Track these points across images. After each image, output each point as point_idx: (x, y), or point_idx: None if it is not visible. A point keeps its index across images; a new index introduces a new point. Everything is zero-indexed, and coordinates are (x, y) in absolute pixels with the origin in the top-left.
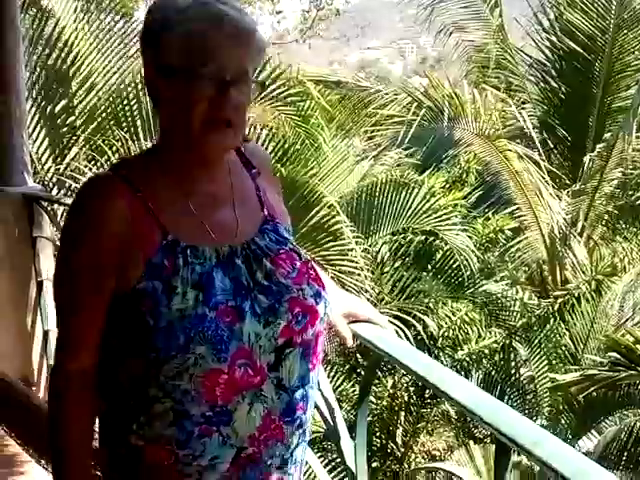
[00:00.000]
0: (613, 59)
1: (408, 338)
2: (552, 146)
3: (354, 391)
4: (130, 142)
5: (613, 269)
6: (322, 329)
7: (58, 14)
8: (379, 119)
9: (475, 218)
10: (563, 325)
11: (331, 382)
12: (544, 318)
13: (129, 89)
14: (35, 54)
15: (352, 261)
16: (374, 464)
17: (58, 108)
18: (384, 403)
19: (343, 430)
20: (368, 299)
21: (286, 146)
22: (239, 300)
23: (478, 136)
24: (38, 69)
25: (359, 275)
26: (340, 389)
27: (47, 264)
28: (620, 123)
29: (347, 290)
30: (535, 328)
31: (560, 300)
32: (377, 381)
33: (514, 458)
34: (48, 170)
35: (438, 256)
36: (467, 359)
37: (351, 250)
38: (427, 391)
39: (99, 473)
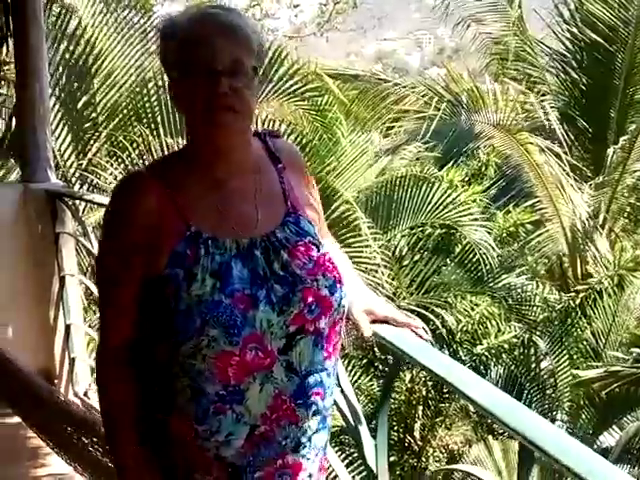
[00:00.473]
0: (636, 50)
1: (427, 332)
2: (573, 138)
3: (371, 385)
4: (151, 138)
5: (636, 264)
6: (338, 319)
7: (80, 10)
8: (398, 113)
9: (495, 212)
10: (584, 319)
11: (348, 376)
12: (565, 312)
13: (150, 85)
14: (58, 51)
15: (369, 257)
16: (392, 458)
17: (80, 104)
18: (402, 397)
19: (364, 429)
20: (386, 294)
21: (304, 141)
22: (255, 289)
23: (498, 129)
24: (61, 67)
25: (376, 272)
26: (357, 383)
27: (69, 260)
28: None
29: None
30: (556, 322)
31: (582, 294)
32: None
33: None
34: (70, 166)
35: (457, 250)
36: (486, 354)
37: (367, 247)
38: (445, 386)
39: None
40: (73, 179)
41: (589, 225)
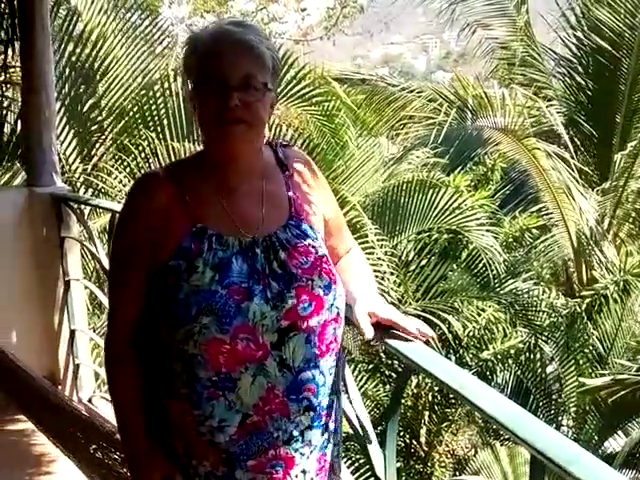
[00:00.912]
0: None
1: (433, 338)
2: (578, 143)
3: (377, 390)
4: (157, 141)
5: None
6: (330, 319)
7: (85, 13)
8: (405, 118)
9: (502, 217)
10: (590, 325)
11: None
12: (571, 318)
13: (156, 88)
14: (64, 54)
15: (375, 263)
16: (397, 464)
17: (86, 108)
18: (408, 403)
19: (372, 438)
20: (392, 300)
21: (311, 145)
22: (252, 282)
23: (506, 134)
24: (67, 70)
25: (383, 278)
26: (364, 388)
27: (74, 264)
28: None
29: None
30: (562, 328)
31: (587, 300)
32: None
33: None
34: (76, 170)
35: (464, 255)
36: (492, 359)
37: (372, 254)
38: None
39: None
40: (78, 183)
41: (596, 230)
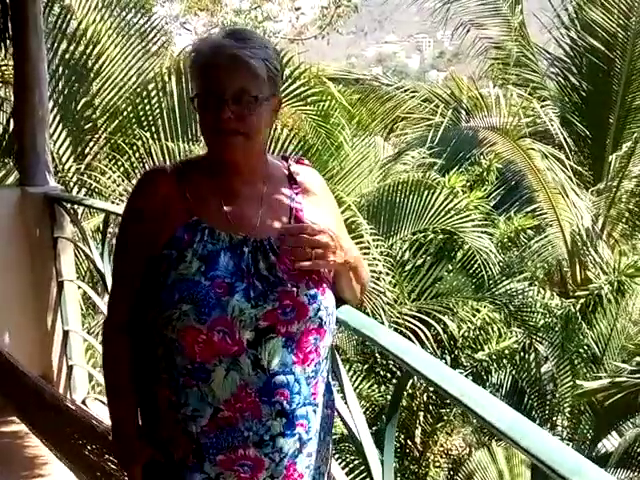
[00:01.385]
0: (635, 57)
1: (428, 339)
2: (572, 143)
3: (372, 391)
4: (151, 141)
5: (636, 270)
6: (312, 329)
7: (78, 11)
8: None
9: (496, 218)
10: (585, 325)
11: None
12: (566, 318)
13: (150, 87)
14: (57, 53)
15: (371, 263)
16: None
17: (79, 107)
18: (403, 403)
19: (369, 442)
20: (387, 300)
21: (306, 147)
22: (234, 279)
23: (501, 135)
24: (61, 68)
25: (378, 279)
26: (358, 389)
27: (68, 265)
28: None
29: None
30: (557, 328)
31: (582, 300)
32: (395, 381)
33: None
34: (69, 169)
35: (459, 255)
36: (487, 359)
37: (367, 254)
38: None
39: None
40: (72, 183)
41: (590, 230)
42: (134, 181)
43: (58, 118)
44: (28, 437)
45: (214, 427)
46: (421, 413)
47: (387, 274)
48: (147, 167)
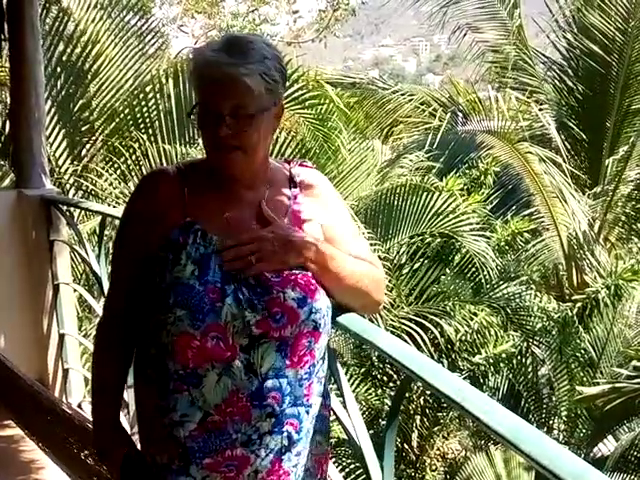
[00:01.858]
0: (632, 60)
1: (425, 342)
2: (569, 147)
3: (369, 394)
4: (148, 143)
5: (633, 273)
6: (306, 332)
7: (76, 13)
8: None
9: (494, 221)
10: (582, 329)
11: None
12: (563, 322)
13: (147, 89)
14: (54, 55)
15: None
16: None
17: (76, 108)
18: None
19: (369, 448)
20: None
21: (304, 150)
22: (224, 283)
23: (498, 138)
24: (58, 70)
25: None
26: (355, 392)
27: (64, 268)
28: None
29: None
30: (554, 332)
31: (579, 304)
32: (392, 384)
33: None
34: (65, 172)
35: (456, 259)
36: (484, 363)
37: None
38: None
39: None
40: (68, 185)
41: (588, 234)
42: (131, 183)
43: (55, 120)
44: (24, 441)
45: (202, 432)
46: (418, 417)
47: (384, 277)
48: (144, 169)
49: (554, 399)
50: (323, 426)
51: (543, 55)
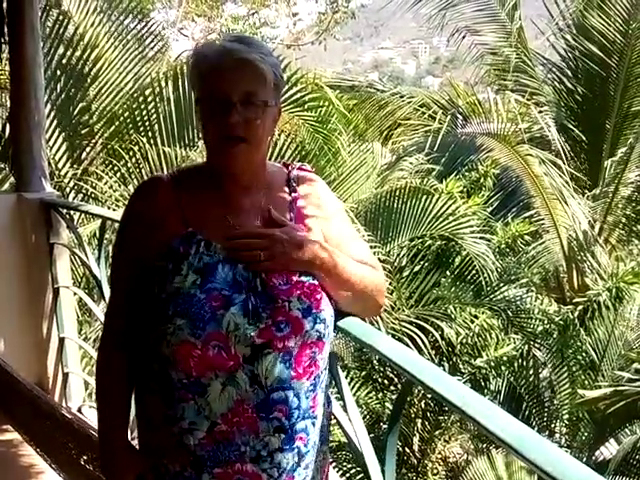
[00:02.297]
0: (632, 63)
1: (426, 345)
2: (569, 149)
3: (370, 398)
4: (148, 146)
5: (634, 276)
6: (310, 342)
7: (76, 16)
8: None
9: (495, 224)
10: (582, 332)
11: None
12: (564, 324)
13: (147, 92)
14: (54, 58)
15: None
16: None
17: (76, 112)
18: None
19: (370, 453)
20: (385, 307)
21: (303, 152)
22: (232, 291)
23: (498, 140)
24: (58, 73)
25: None
26: (356, 396)
27: (63, 271)
28: (638, 127)
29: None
30: (555, 335)
31: (580, 307)
32: (393, 388)
33: None
34: (65, 175)
35: (457, 262)
36: (485, 366)
37: None
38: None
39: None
40: (68, 188)
41: (588, 236)
42: (131, 186)
43: (55, 123)
44: (22, 446)
45: (211, 441)
46: (419, 420)
47: (385, 280)
48: (144, 172)
49: (555, 402)
50: (324, 433)
51: (543, 57)
